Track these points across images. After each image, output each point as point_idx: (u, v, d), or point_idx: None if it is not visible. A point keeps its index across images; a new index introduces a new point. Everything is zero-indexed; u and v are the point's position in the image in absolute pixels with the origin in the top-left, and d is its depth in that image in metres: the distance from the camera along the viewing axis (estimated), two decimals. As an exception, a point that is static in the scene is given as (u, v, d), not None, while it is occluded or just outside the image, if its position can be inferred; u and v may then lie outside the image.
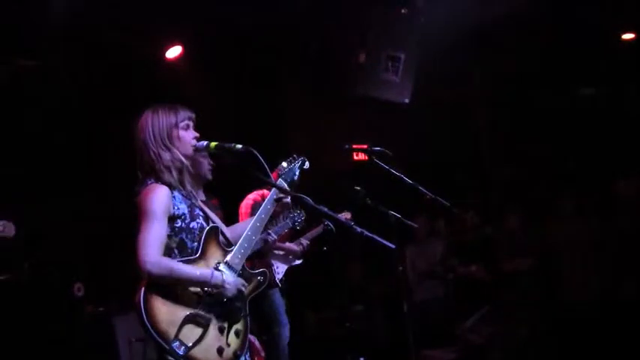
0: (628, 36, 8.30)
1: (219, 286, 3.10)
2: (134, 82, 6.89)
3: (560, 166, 8.65)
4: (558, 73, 8.40)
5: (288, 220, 5.18)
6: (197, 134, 3.34)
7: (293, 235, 5.91)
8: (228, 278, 3.14)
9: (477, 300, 7.32)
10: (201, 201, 4.38)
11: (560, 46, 8.01)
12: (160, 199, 3.10)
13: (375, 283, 8.80)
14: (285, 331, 5.59)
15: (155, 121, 3.25)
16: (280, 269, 5.69)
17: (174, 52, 7.12)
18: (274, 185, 3.48)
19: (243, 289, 3.22)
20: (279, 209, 3.57)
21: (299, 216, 5.25)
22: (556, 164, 8.72)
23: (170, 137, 3.24)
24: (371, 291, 8.84)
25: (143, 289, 2.94)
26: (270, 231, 5.02)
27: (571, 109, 8.74)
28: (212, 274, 3.09)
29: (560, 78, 8.51)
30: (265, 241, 4.95)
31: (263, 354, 5.59)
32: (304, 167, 3.92)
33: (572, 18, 7.36)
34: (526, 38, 7.87)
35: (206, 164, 4.53)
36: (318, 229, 6.00)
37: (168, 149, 3.22)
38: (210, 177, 4.60)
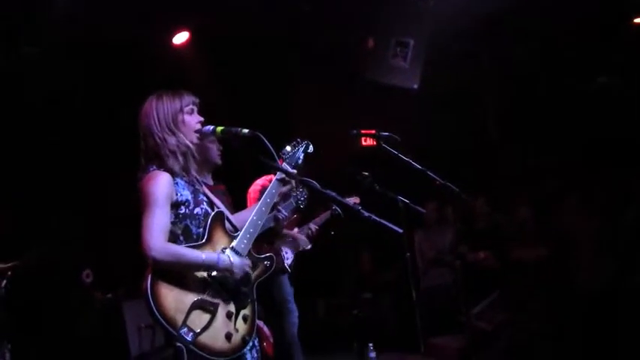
0: (640, 20, 8.19)
1: (227, 270, 3.10)
2: (139, 68, 6.87)
3: (571, 154, 8.58)
4: (569, 60, 8.32)
5: (291, 199, 5.15)
6: (201, 119, 3.33)
7: (301, 221, 5.88)
8: (235, 260, 3.14)
9: (485, 287, 7.29)
10: (209, 187, 4.38)
11: (572, 34, 7.93)
12: (161, 185, 3.09)
13: (384, 270, 8.79)
14: (294, 318, 5.59)
15: (160, 107, 3.24)
16: (289, 255, 5.67)
17: (181, 38, 7.10)
18: (281, 169, 3.46)
19: (249, 270, 3.22)
20: (284, 192, 3.55)
21: (301, 194, 5.20)
22: (567, 152, 8.65)
23: (175, 122, 3.23)
24: (380, 278, 8.83)
25: (149, 276, 2.93)
26: (279, 207, 4.99)
27: (583, 96, 8.66)
28: (218, 257, 3.09)
29: (572, 66, 8.42)
30: (276, 218, 4.93)
31: (272, 340, 5.59)
32: (308, 151, 3.91)
33: (584, 4, 7.28)
34: (537, 24, 7.79)
35: (215, 149, 4.49)
36: (326, 214, 5.98)
37: (174, 134, 3.21)
38: (219, 162, 4.56)
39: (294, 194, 5.10)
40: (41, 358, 6.41)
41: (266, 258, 3.40)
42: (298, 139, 3.97)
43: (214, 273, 3.08)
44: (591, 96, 8.66)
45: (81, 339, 6.69)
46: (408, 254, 5.28)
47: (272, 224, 4.86)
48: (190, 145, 3.24)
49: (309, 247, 5.86)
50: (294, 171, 3.59)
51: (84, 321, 6.83)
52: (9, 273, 5.38)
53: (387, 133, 4.59)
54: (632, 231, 6.71)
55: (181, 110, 3.26)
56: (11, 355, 5.21)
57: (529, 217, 7.56)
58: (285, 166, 3.63)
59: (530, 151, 8.92)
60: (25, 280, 6.28)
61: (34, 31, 6.02)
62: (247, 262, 3.22)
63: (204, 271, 3.07)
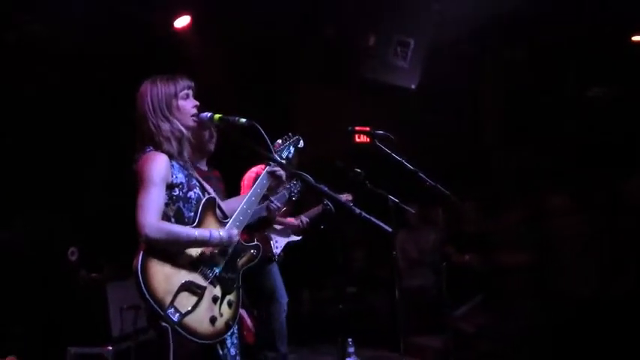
0: (638, 38, 8.22)
1: (219, 244, 3.16)
2: (140, 51, 6.85)
3: (564, 161, 8.62)
4: (567, 70, 8.36)
5: (284, 191, 5.20)
6: (197, 103, 3.35)
7: (293, 213, 5.92)
8: (224, 234, 3.19)
9: (469, 290, 7.33)
10: (203, 172, 4.45)
11: (572, 44, 7.96)
12: (158, 166, 3.12)
13: (371, 267, 8.83)
14: (284, 305, 5.64)
15: (154, 92, 3.25)
16: (279, 244, 5.71)
17: (182, 21, 7.08)
18: (275, 160, 3.49)
19: (237, 238, 3.26)
20: (275, 183, 3.58)
21: (295, 186, 5.26)
22: (560, 159, 8.69)
23: (169, 108, 3.25)
24: (369, 274, 8.87)
25: (141, 254, 2.96)
26: (272, 198, 5.03)
27: (579, 105, 8.71)
28: (210, 233, 3.14)
29: (569, 76, 8.46)
30: (268, 208, 4.97)
31: (253, 329, 5.62)
32: (299, 146, 3.95)
33: (586, 15, 7.31)
34: (538, 30, 7.81)
35: (207, 137, 4.56)
36: (318, 209, 6.02)
37: (168, 120, 3.23)
38: (212, 150, 4.64)
39: (288, 186, 5.16)
40: (22, 335, 6.40)
41: (253, 246, 3.43)
42: (290, 134, 4.02)
43: (205, 251, 3.14)
44: (586, 104, 8.71)
45: (62, 317, 6.68)
46: (395, 253, 5.31)
47: (264, 214, 4.92)
48: (185, 130, 3.27)
49: (299, 238, 5.90)
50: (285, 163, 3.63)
51: (66, 299, 6.82)
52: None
53: (381, 132, 4.60)
54: (621, 240, 6.74)
55: (176, 95, 3.27)
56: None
57: (518, 222, 7.59)
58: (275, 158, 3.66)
59: (523, 156, 8.96)
60: (6, 255, 6.28)
61: (36, 8, 5.99)
62: (235, 231, 3.25)
63: (197, 247, 3.12)
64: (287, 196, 5.22)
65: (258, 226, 4.90)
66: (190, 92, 3.34)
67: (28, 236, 6.83)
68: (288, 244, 5.84)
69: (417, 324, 7.02)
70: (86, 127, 7.17)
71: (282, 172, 3.55)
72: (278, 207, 5.06)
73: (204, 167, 4.73)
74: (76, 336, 6.48)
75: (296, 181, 5.22)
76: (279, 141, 3.98)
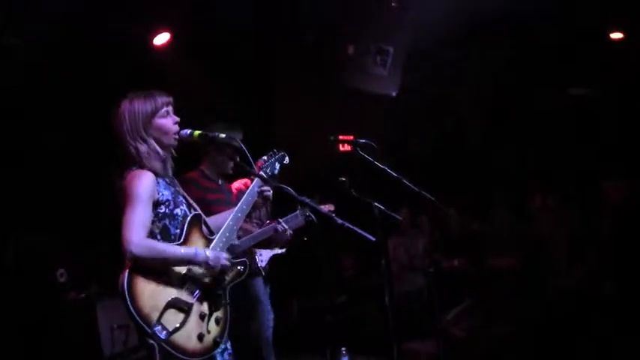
0: (616, 35, 8.29)
1: (204, 263, 3.15)
2: (119, 68, 6.83)
3: (546, 163, 8.67)
4: (548, 71, 8.42)
5: (300, 217, 5.25)
6: (177, 119, 3.33)
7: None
8: (211, 254, 3.18)
9: (459, 294, 7.35)
10: (217, 185, 4.70)
11: (551, 45, 8.02)
12: (144, 183, 3.11)
13: (363, 275, 8.84)
14: (268, 320, 5.60)
15: (131, 114, 3.22)
16: (264, 257, 5.69)
17: (162, 38, 7.07)
18: (257, 175, 3.52)
19: (225, 262, 3.24)
20: (261, 201, 3.60)
21: (309, 216, 5.33)
22: (542, 160, 8.75)
23: (146, 129, 3.22)
24: (358, 282, 8.88)
25: (127, 271, 2.95)
26: (280, 220, 5.07)
27: (559, 106, 8.76)
28: (196, 251, 3.13)
29: (550, 76, 8.52)
30: (276, 230, 4.99)
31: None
32: (284, 162, 3.99)
33: (562, 16, 7.37)
34: (516, 35, 7.87)
35: (230, 165, 4.67)
36: (301, 220, 6.02)
37: (146, 142, 3.21)
38: (230, 172, 4.74)
39: (300, 211, 5.23)
40: (12, 358, 6.37)
41: (240, 263, 3.43)
42: (275, 150, 4.05)
43: (192, 268, 3.12)
44: (566, 105, 8.77)
45: (53, 339, 6.66)
46: (383, 261, 5.31)
47: (271, 234, 4.96)
48: (161, 152, 3.25)
49: (283, 250, 5.89)
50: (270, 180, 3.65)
51: (56, 320, 6.80)
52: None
53: (363, 140, 4.62)
54: (603, 242, 6.78)
55: (154, 114, 3.24)
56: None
57: (506, 224, 7.63)
58: (261, 174, 3.67)
59: (508, 158, 9.01)
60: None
61: (17, 22, 5.97)
62: (224, 255, 3.25)
63: (183, 265, 3.11)
64: (301, 220, 5.29)
65: (261, 245, 4.97)
66: (170, 108, 3.31)
67: (17, 259, 6.80)
68: (273, 256, 5.83)
69: (410, 330, 7.03)
70: (71, 145, 7.15)
71: (270, 193, 3.58)
72: (285, 229, 5.09)
73: (218, 181, 4.84)
74: (67, 358, 6.45)
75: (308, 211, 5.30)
76: (265, 157, 4.03)
